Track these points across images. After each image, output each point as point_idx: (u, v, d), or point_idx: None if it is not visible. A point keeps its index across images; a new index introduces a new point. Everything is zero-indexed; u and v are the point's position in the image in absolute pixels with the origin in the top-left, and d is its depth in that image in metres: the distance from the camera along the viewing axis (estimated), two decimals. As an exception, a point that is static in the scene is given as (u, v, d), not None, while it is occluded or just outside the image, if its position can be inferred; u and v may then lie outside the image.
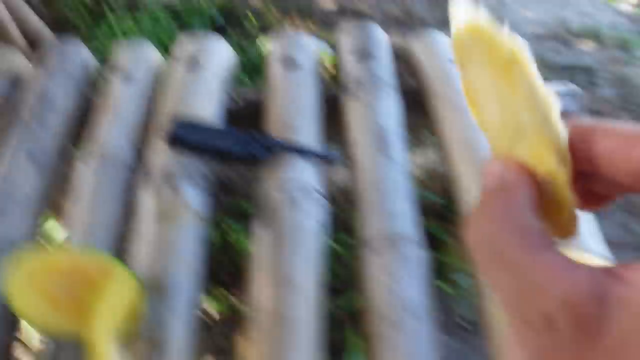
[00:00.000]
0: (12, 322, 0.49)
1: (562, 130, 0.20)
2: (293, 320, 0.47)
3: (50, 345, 0.46)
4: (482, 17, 0.20)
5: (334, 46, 0.72)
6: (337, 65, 0.69)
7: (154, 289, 0.48)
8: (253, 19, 1.51)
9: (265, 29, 1.48)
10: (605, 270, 0.17)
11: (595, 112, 1.58)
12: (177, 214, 0.53)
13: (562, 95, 0.77)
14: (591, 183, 0.21)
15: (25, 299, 0.45)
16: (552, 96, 0.20)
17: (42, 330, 0.45)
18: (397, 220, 0.54)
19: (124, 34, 1.32)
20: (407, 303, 0.50)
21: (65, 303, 0.46)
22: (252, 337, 0.47)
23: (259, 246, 0.52)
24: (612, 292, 0.16)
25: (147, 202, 0.54)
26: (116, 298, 0.46)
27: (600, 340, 0.16)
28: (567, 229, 0.21)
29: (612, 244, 1.21)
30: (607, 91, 1.69)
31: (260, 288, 0.50)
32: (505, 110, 0.20)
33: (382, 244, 0.53)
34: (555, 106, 0.20)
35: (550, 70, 1.73)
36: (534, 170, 0.20)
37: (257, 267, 0.51)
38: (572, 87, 0.79)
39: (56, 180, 0.59)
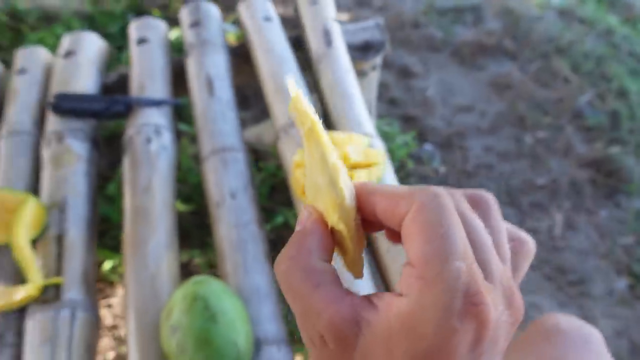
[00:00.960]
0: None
1: (346, 193, 0.24)
2: (150, 214, 0.70)
3: (-12, 253, 0.69)
4: (301, 95, 0.25)
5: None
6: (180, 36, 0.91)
7: (55, 208, 0.70)
8: (159, 13, 1.70)
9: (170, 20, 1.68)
10: (364, 299, 0.23)
11: (483, 44, 1.79)
12: (65, 159, 0.75)
13: (370, 28, 0.98)
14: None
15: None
16: (339, 166, 0.24)
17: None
18: (223, 137, 0.77)
19: (42, 44, 1.51)
20: (228, 189, 0.73)
21: (-6, 226, 0.68)
22: (125, 232, 0.70)
23: (125, 172, 0.75)
24: (363, 316, 0.22)
25: (46, 155, 0.76)
26: (28, 216, 0.68)
27: (354, 353, 0.22)
28: (354, 267, 0.26)
29: (504, 155, 1.45)
30: (493, 24, 1.90)
31: (127, 197, 0.72)
32: (309, 167, 0.25)
33: (212, 154, 0.76)
34: (341, 172, 0.24)
35: (440, 14, 1.93)
36: (327, 219, 0.25)
37: (125, 184, 0.74)
38: (378, 20, 1.00)
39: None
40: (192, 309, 0.56)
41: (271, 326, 0.63)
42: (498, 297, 0.22)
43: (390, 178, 0.73)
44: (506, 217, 0.65)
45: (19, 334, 0.64)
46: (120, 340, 1.11)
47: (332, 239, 0.25)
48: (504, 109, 1.55)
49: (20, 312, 0.65)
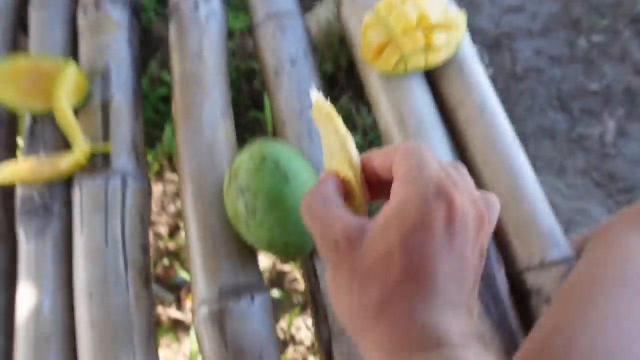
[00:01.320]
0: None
1: (354, 153, 0.34)
2: (202, 80, 0.63)
3: (27, 120, 0.62)
4: (321, 97, 0.36)
5: None
6: None
7: (96, 75, 0.63)
8: None
9: None
10: (368, 217, 0.31)
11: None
12: (105, 27, 0.67)
13: None
14: (382, 190, 0.34)
15: (3, 91, 0.60)
16: (348, 135, 0.34)
17: (19, 110, 0.61)
18: (278, 1, 0.68)
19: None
20: (287, 56, 0.65)
21: (33, 91, 0.61)
22: (175, 101, 0.63)
23: (172, 40, 0.67)
24: (367, 226, 0.30)
25: (82, 24, 0.68)
26: (70, 82, 0.61)
27: (359, 250, 0.29)
28: (359, 212, 0.34)
29: (556, 59, 1.34)
30: None
31: (176, 65, 0.65)
32: (327, 144, 0.35)
33: (267, 20, 0.67)
34: (349, 139, 0.34)
35: None
36: (339, 175, 0.34)
37: (172, 52, 0.66)
38: None
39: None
40: (262, 168, 0.50)
41: (340, 196, 0.57)
42: (464, 196, 0.29)
43: (468, 45, 0.64)
44: (556, 123, 0.58)
45: (67, 204, 0.59)
46: (159, 237, 1.07)
47: (344, 187, 0.34)
48: (558, 10, 1.42)
49: (66, 182, 0.60)
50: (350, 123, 1.15)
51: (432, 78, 0.64)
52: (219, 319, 0.50)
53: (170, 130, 0.99)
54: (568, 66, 1.36)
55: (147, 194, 0.60)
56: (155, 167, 1.12)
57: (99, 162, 0.58)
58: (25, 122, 0.62)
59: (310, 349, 0.99)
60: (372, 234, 0.29)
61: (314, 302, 0.54)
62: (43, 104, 0.61)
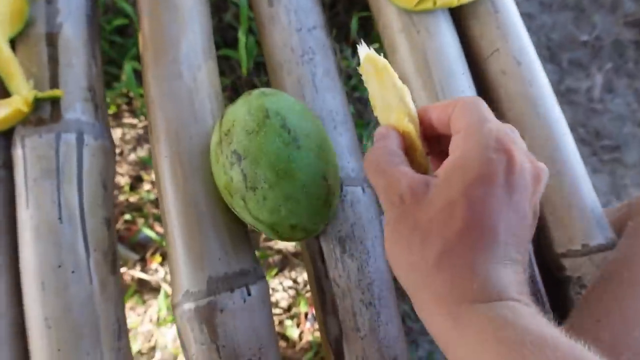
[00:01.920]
0: None
1: (412, 106, 0.34)
2: (178, 6, 0.49)
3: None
4: (372, 52, 0.34)
5: None
6: None
7: (38, -4, 0.48)
8: None
9: None
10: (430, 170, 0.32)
11: None
12: None
13: None
14: (437, 144, 0.35)
15: None
16: (405, 88, 0.34)
17: None
18: None
19: None
20: None
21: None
22: (143, 32, 0.49)
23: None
24: (431, 182, 0.29)
25: None
26: (3, 4, 0.46)
27: (424, 201, 0.29)
28: (421, 164, 0.33)
29: (547, 5, 1.23)
30: None
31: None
32: (382, 99, 0.34)
33: None
34: (407, 92, 0.34)
35: None
36: (399, 129, 0.33)
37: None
38: None
39: None
40: (265, 128, 0.38)
41: (352, 162, 0.46)
42: (522, 153, 0.29)
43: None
44: (545, 73, 0.49)
45: (8, 166, 0.45)
46: (119, 190, 0.94)
47: (404, 141, 0.33)
48: (551, -49, 1.31)
49: (6, 137, 0.46)
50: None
51: (460, 18, 0.52)
52: (208, 317, 0.40)
53: (130, 68, 0.84)
54: (559, 13, 1.27)
55: (111, 152, 0.47)
56: (112, 109, 0.97)
57: (46, 112, 0.45)
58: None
59: (287, 311, 0.91)
60: (436, 187, 0.29)
61: (320, 292, 0.44)
62: (-33, 32, 0.46)
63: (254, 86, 0.98)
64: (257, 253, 0.89)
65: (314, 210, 0.39)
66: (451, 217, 0.28)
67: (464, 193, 0.28)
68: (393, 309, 0.44)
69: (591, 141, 1.18)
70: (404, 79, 0.49)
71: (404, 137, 0.33)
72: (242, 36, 0.85)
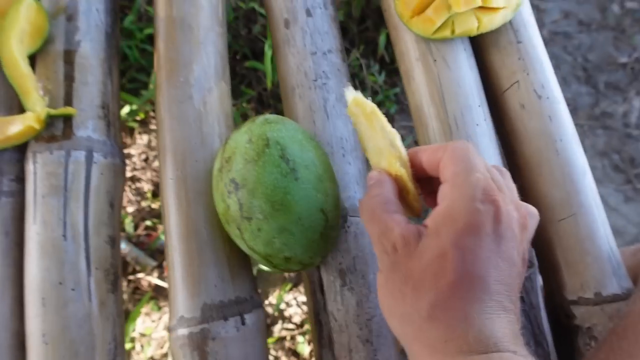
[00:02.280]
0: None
1: (402, 150, 0.34)
2: (194, 29, 0.48)
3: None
4: (359, 94, 0.34)
5: None
6: None
7: (60, 14, 0.48)
8: None
9: None
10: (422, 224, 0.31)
11: None
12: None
13: None
14: (429, 184, 0.35)
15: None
16: (394, 132, 0.34)
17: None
18: None
19: None
20: (302, 3, 0.50)
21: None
22: (157, 50, 0.49)
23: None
24: (422, 232, 0.30)
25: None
26: (24, 20, 0.46)
27: (416, 251, 0.29)
28: (414, 207, 0.34)
29: (585, 25, 1.18)
30: None
31: (160, 6, 0.50)
32: (373, 142, 0.34)
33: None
34: (397, 136, 0.34)
35: None
36: (391, 173, 0.33)
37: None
38: None
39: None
40: (264, 157, 0.37)
41: (359, 192, 0.45)
42: (508, 200, 0.30)
43: (527, 9, 0.50)
44: (579, 96, 0.46)
45: (20, 180, 0.46)
46: (142, 196, 0.95)
47: (397, 185, 0.33)
48: (592, -31, 1.26)
49: (19, 151, 0.46)
50: (358, 81, 1.00)
51: (480, 47, 0.50)
52: (200, 344, 0.39)
53: (154, 81, 0.84)
54: (598, 33, 1.21)
55: (120, 171, 0.47)
56: (141, 115, 0.98)
57: (58, 129, 0.45)
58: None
59: (300, 327, 0.90)
60: (427, 238, 0.29)
61: (318, 324, 0.43)
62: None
63: (279, 98, 0.98)
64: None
65: (310, 244, 0.38)
66: (442, 268, 0.28)
67: (454, 244, 0.28)
68: (392, 348, 0.42)
69: (625, 168, 1.12)
70: (418, 108, 0.48)
71: (396, 181, 0.33)
72: (268, 50, 0.85)
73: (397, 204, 0.32)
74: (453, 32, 0.46)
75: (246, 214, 0.37)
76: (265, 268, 0.83)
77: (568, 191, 0.44)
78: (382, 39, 0.92)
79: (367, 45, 1.02)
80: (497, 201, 0.28)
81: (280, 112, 0.96)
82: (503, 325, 0.27)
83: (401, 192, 0.34)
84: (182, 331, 0.39)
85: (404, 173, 0.33)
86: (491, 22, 0.46)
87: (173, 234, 0.42)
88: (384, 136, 0.33)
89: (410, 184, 0.33)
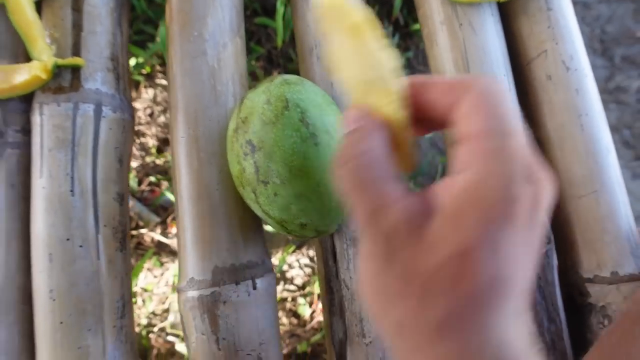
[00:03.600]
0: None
1: (400, 84, 0.23)
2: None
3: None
4: None
5: None
6: None
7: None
8: None
9: None
10: (427, 191, 0.23)
11: None
12: None
13: None
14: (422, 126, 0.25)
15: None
16: (391, 55, 0.23)
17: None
18: None
19: None
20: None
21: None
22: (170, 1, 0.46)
23: None
24: (431, 205, 0.22)
25: None
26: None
27: (423, 243, 0.21)
28: (408, 162, 0.25)
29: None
30: None
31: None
32: (357, 69, 0.23)
33: None
34: (392, 60, 0.23)
35: None
36: (382, 115, 0.23)
37: None
38: None
39: None
40: (282, 120, 0.35)
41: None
42: (548, 177, 0.22)
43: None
44: (595, 69, 0.44)
45: (27, 131, 0.44)
46: (146, 151, 0.93)
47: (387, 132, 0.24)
48: None
49: (25, 101, 0.44)
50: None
51: (508, 13, 0.48)
52: (210, 307, 0.38)
53: (164, 30, 0.81)
54: (618, 4, 1.17)
55: (129, 126, 0.45)
56: (147, 69, 0.95)
57: (66, 80, 0.43)
58: (-31, 13, 0.45)
59: (301, 289, 0.90)
60: (442, 221, 0.21)
61: (329, 291, 0.42)
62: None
63: (289, 57, 0.95)
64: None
65: (326, 211, 0.37)
66: (463, 269, 0.21)
67: (483, 239, 0.21)
68: (401, 318, 0.41)
69: (635, 144, 1.11)
70: (440, 73, 0.46)
71: (386, 125, 0.24)
72: (280, 6, 0.81)
73: (391, 165, 0.23)
74: (483, -5, 0.43)
75: (262, 178, 0.35)
76: (269, 229, 0.83)
77: (591, 168, 0.43)
78: (397, 1, 0.88)
79: (382, 6, 0.98)
80: (540, 181, 0.21)
81: (289, 72, 0.94)
82: (521, 332, 0.22)
83: (392, 141, 0.24)
84: (192, 293, 0.39)
85: (400, 117, 0.24)
86: (523, -14, 0.44)
87: (184, 194, 0.41)
88: (373, 63, 0.23)
89: (406, 132, 0.24)
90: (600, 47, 1.14)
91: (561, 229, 0.44)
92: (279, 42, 0.85)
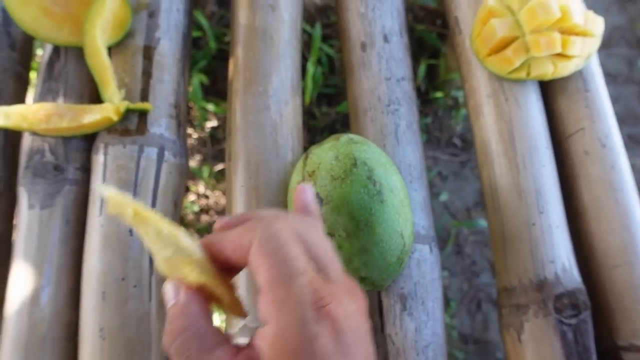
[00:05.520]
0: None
1: (195, 249, 0.26)
2: (275, 41, 0.50)
3: (47, 51, 0.49)
4: (114, 192, 0.26)
5: None
6: None
7: (143, 9, 0.50)
8: None
9: None
10: (250, 346, 0.25)
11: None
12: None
13: None
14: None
15: (23, 10, 0.46)
16: (175, 230, 0.26)
17: (41, 39, 0.47)
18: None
19: None
20: (381, 29, 0.52)
21: (61, 16, 0.48)
22: (236, 58, 0.50)
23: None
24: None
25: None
26: (108, 11, 0.47)
27: None
28: (235, 310, 0.28)
29: (612, 77, 1.22)
30: None
31: (242, 14, 0.51)
32: (153, 250, 0.26)
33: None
34: (181, 234, 0.26)
35: None
36: (191, 284, 0.26)
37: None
38: None
39: None
40: (351, 176, 0.38)
41: (423, 219, 0.46)
42: (341, 293, 0.25)
43: (596, 59, 0.52)
44: None
45: (86, 169, 0.46)
46: (199, 196, 0.95)
47: (203, 295, 0.26)
48: (623, 24, 1.30)
49: (86, 141, 0.47)
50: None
51: (548, 91, 0.52)
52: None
53: (197, 81, 0.85)
54: (623, 87, 1.25)
55: (185, 173, 0.48)
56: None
57: (132, 123, 0.46)
58: (44, 54, 0.49)
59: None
60: None
61: (374, 344, 0.43)
62: (71, 34, 0.47)
63: (312, 115, 0.99)
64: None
65: (386, 266, 0.39)
66: None
67: None
68: (445, 378, 0.43)
69: (640, 221, 1.15)
70: (485, 143, 0.49)
71: (200, 290, 0.27)
72: (311, 66, 0.86)
73: (214, 332, 0.26)
74: (528, 74, 0.48)
75: (328, 230, 0.38)
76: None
77: (624, 239, 0.46)
78: (421, 69, 0.94)
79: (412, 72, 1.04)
80: (331, 311, 0.23)
81: (311, 129, 0.97)
82: None
83: (212, 299, 0.27)
84: (244, 340, 0.40)
85: (206, 280, 0.26)
86: (565, 69, 0.48)
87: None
88: (163, 242, 0.26)
89: (220, 289, 0.27)
90: (606, 125, 1.21)
91: (598, 297, 0.46)
92: (307, 100, 0.90)
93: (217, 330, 0.26)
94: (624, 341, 0.44)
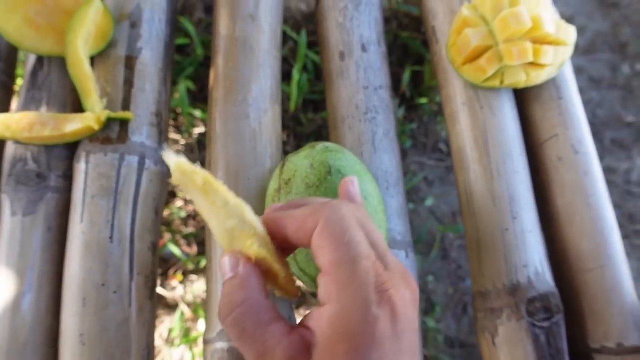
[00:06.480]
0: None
1: (258, 224, 0.27)
2: (254, 51, 0.51)
3: (31, 61, 0.49)
4: (183, 160, 0.26)
5: None
6: None
7: (125, 20, 0.50)
8: None
9: None
10: (303, 325, 0.26)
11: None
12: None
13: None
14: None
15: (6, 20, 0.47)
16: (241, 203, 0.27)
17: (25, 49, 0.48)
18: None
19: None
20: (359, 39, 0.53)
21: (45, 27, 0.48)
22: (216, 67, 0.51)
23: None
24: (309, 341, 0.25)
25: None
26: (91, 22, 0.48)
27: None
28: (288, 290, 0.28)
29: (596, 82, 1.24)
30: None
31: (222, 25, 0.52)
32: (217, 221, 0.27)
33: (337, -9, 0.55)
34: (246, 207, 0.27)
35: None
36: (250, 257, 0.27)
37: (219, 8, 0.53)
38: None
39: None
40: (325, 184, 0.39)
41: (399, 225, 0.47)
42: (399, 280, 0.26)
43: (569, 67, 0.54)
44: None
45: (68, 177, 0.47)
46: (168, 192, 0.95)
47: (260, 269, 0.27)
48: (606, 29, 1.32)
49: (69, 149, 0.47)
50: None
51: (523, 99, 0.54)
52: (240, 359, 0.40)
53: (184, 87, 0.86)
54: (607, 91, 1.27)
55: (165, 181, 0.49)
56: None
57: (114, 132, 0.46)
58: (27, 64, 0.49)
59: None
60: (319, 356, 0.24)
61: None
62: (54, 45, 0.48)
63: (299, 121, 1.00)
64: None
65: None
66: None
67: None
68: (420, 380, 0.44)
69: (624, 224, 1.17)
70: (461, 150, 0.50)
71: (258, 264, 0.27)
72: (296, 74, 0.87)
73: (270, 307, 0.26)
74: (502, 82, 0.49)
75: (303, 237, 0.39)
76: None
77: (597, 244, 0.47)
78: (406, 76, 0.95)
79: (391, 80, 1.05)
80: (392, 297, 0.24)
81: (298, 135, 0.98)
82: None
83: (267, 275, 0.28)
84: (221, 345, 0.41)
85: (266, 255, 0.27)
86: (538, 77, 0.49)
87: (219, 247, 0.44)
88: (229, 212, 0.27)
89: (277, 265, 0.27)
90: (591, 129, 1.23)
91: (571, 300, 0.47)
92: (292, 107, 0.91)
93: (273, 306, 0.27)
94: (596, 343, 0.45)
